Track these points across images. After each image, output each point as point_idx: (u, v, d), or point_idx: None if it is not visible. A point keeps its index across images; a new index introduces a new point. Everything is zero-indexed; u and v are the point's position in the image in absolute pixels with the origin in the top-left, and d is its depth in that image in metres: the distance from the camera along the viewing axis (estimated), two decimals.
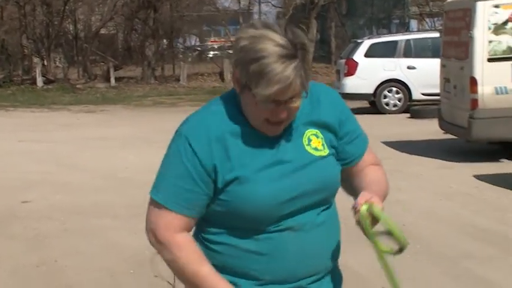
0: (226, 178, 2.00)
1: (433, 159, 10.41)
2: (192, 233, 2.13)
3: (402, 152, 11.12)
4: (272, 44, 1.90)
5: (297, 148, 2.06)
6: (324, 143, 2.10)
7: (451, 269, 5.51)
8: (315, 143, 2.09)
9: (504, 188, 8.31)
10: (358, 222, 2.00)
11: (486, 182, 8.69)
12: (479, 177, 8.94)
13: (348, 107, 2.23)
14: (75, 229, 7.01)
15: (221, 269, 2.06)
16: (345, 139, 2.17)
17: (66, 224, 7.20)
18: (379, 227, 2.01)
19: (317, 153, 2.08)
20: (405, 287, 5.24)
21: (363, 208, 1.98)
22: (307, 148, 2.07)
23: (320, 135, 2.10)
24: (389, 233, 1.99)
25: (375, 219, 1.99)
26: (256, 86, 1.91)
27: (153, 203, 2.06)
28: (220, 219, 2.06)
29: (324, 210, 2.11)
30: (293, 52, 1.91)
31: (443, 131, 11.48)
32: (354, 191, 2.18)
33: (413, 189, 8.40)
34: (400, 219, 6.90)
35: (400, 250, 2.01)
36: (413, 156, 10.76)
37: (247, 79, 1.94)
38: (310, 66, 1.98)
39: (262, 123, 2.00)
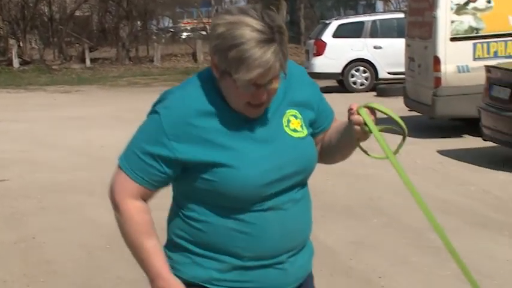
0: (207, 160, 1.96)
1: (399, 136, 10.44)
2: (170, 206, 2.12)
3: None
4: (249, 29, 1.86)
5: (276, 130, 2.04)
6: (302, 123, 2.09)
7: (416, 240, 5.56)
8: (294, 124, 2.06)
9: (466, 162, 8.39)
10: (358, 122, 2.00)
11: (449, 157, 8.77)
12: (443, 153, 9.02)
13: None
14: (52, 206, 6.95)
15: (203, 246, 2.05)
16: (320, 110, 2.17)
17: (43, 202, 7.14)
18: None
19: (296, 135, 2.06)
20: (370, 256, 5.30)
21: (360, 106, 2.00)
22: (286, 129, 2.05)
23: (299, 115, 2.08)
24: (392, 123, 2.04)
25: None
26: (237, 71, 1.88)
27: (118, 165, 2.06)
28: (204, 197, 2.03)
29: (301, 188, 2.11)
30: (271, 36, 1.88)
31: (408, 109, 11.54)
32: (331, 138, 2.20)
33: (379, 164, 8.39)
34: (366, 194, 6.94)
35: (403, 138, 2.06)
36: (380, 132, 10.78)
37: (226, 65, 1.90)
38: (288, 47, 1.95)
39: (244, 107, 1.97)
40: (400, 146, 2.08)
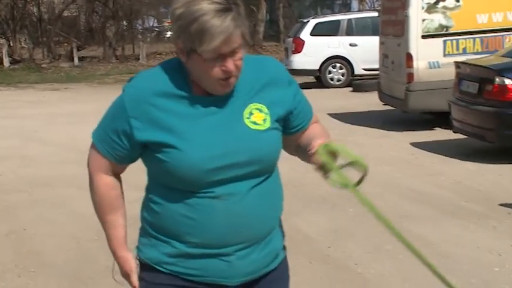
0: (158, 140, 1.97)
1: (374, 129, 10.51)
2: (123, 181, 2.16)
3: (345, 122, 11.19)
4: (206, 3, 1.87)
5: (235, 119, 2.00)
6: (267, 118, 2.03)
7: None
8: (256, 117, 2.01)
9: (438, 153, 8.44)
10: (317, 163, 1.95)
11: (421, 148, 8.81)
12: (415, 145, 9.06)
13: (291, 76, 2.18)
14: (42, 199, 6.91)
15: (159, 228, 2.06)
16: (297, 110, 2.13)
17: (33, 195, 7.10)
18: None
19: (254, 127, 2.00)
20: (347, 244, 5.31)
21: (320, 147, 1.95)
22: (246, 121, 2.00)
23: (265, 110, 2.03)
24: (350, 162, 1.97)
25: (332, 157, 1.96)
26: (201, 43, 1.87)
27: (92, 139, 2.11)
28: (161, 178, 2.03)
29: (260, 182, 2.03)
30: (228, 6, 1.88)
31: (382, 103, 11.59)
32: (303, 146, 2.14)
33: None
34: None
35: (364, 175, 2.00)
36: (356, 126, 10.84)
37: (190, 42, 1.89)
38: (246, 19, 1.96)
39: (215, 82, 1.94)
40: (361, 180, 2.01)
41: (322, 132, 2.18)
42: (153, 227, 2.08)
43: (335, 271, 4.73)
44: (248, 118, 2.01)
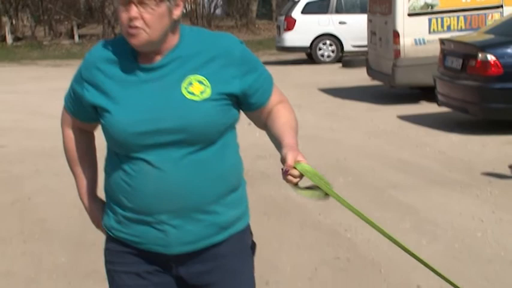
0: (97, 103, 2.01)
1: (362, 103, 10.48)
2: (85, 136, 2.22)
3: (335, 97, 11.16)
4: None
5: (171, 88, 1.95)
6: (206, 90, 1.94)
7: (378, 198, 5.59)
8: (194, 88, 1.94)
9: (423, 126, 8.44)
10: (287, 181, 1.90)
11: (408, 121, 8.81)
12: (402, 118, 9.06)
13: (251, 54, 2.06)
14: (45, 170, 6.88)
15: (108, 194, 2.10)
16: (253, 89, 2.03)
17: (37, 166, 7.06)
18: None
19: (189, 97, 1.93)
20: (337, 211, 5.33)
21: (298, 168, 1.89)
22: (183, 90, 1.94)
23: (207, 83, 1.95)
24: (316, 187, 1.99)
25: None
26: None
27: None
28: (107, 142, 2.07)
29: (193, 152, 1.96)
30: None
31: (370, 78, 11.56)
32: (272, 137, 2.06)
33: (345, 129, 8.46)
34: (333, 156, 6.95)
35: (334, 196, 2.02)
36: (345, 100, 10.81)
37: None
38: None
39: (125, 30, 1.93)
40: (323, 199, 2.04)
41: (289, 125, 2.04)
42: (107, 194, 2.11)
43: (325, 237, 4.74)
44: (186, 88, 1.95)
